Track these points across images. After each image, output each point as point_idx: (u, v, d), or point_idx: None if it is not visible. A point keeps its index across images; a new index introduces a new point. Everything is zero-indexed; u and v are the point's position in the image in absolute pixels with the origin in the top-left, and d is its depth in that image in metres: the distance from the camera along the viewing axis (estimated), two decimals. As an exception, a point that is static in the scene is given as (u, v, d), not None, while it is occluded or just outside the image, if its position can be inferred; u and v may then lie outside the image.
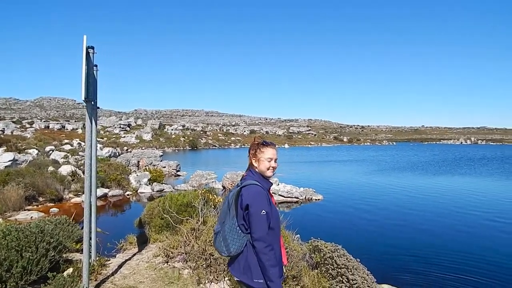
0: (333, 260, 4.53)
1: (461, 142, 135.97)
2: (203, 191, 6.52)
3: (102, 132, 63.42)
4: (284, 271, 3.08)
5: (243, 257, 2.19)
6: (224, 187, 16.84)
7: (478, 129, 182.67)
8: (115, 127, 69.15)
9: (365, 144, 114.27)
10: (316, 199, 14.75)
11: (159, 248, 5.55)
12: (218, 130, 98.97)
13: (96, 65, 4.40)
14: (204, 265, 4.68)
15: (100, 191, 13.55)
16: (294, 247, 5.21)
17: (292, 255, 4.72)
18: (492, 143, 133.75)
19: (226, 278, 4.44)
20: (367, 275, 4.48)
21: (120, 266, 5.02)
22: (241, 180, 2.36)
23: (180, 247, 5.23)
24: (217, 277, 4.50)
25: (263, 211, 2.13)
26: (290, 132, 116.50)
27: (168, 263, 5.04)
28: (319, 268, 4.76)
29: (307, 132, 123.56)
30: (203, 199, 6.05)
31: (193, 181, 17.63)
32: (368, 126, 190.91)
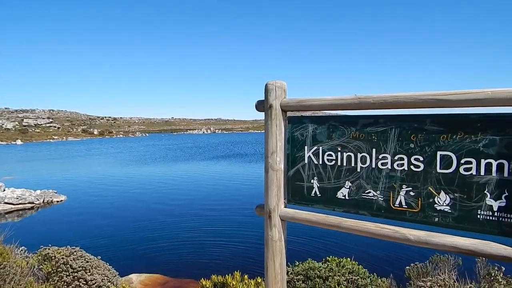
0: (68, 265, 4.08)
1: (203, 132, 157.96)
2: None
3: None
4: None
5: None
6: None
7: (216, 120, 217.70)
8: None
9: (118, 136, 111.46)
10: (58, 201, 12.98)
11: None
12: None
13: None
14: None
15: None
16: (17, 263, 4.28)
17: (12, 273, 3.86)
18: (225, 132, 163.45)
19: None
20: (109, 271, 4.32)
21: None
22: None
23: None
24: None
25: None
26: (25, 125, 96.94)
27: None
28: (51, 279, 4.15)
29: (49, 124, 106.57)
30: None
31: None
32: (121, 118, 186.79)
